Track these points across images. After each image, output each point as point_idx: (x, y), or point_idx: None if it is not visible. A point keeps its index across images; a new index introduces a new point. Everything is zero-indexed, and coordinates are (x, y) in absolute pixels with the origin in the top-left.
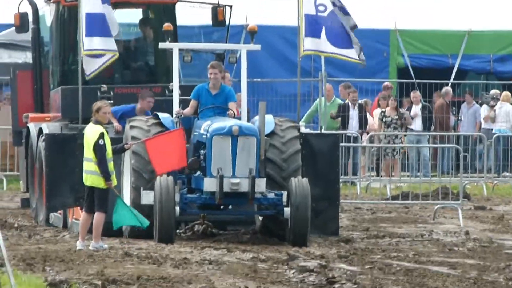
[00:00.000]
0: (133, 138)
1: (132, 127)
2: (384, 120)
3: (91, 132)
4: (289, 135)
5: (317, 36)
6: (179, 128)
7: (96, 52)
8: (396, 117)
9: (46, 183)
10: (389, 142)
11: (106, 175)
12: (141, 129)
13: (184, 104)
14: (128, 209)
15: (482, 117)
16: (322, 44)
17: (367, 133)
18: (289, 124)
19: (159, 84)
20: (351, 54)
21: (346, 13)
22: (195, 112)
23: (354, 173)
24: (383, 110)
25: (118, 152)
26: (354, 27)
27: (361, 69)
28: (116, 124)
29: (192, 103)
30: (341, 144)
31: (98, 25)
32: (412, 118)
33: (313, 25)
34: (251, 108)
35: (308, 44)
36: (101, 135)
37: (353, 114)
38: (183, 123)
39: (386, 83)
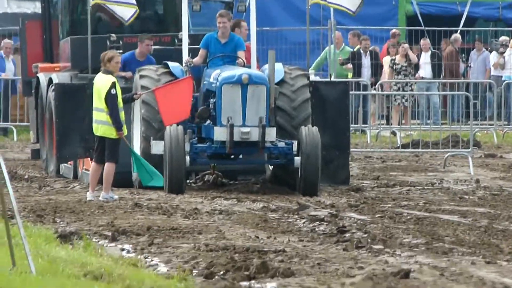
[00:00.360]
0: (143, 87)
1: (142, 76)
2: (394, 67)
3: (103, 82)
4: (298, 83)
5: None
6: (187, 76)
7: (107, 3)
8: (406, 64)
9: (56, 134)
10: (399, 90)
11: (118, 125)
12: (151, 78)
13: (193, 53)
14: (146, 168)
15: (491, 64)
16: None
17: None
18: (299, 72)
19: (169, 34)
20: (349, 4)
21: None
22: (204, 61)
23: (365, 121)
24: (393, 57)
25: (128, 101)
26: None
27: (371, 17)
28: (126, 73)
29: (201, 52)
30: (350, 92)
31: None
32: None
33: None
34: (260, 57)
35: None
36: (113, 85)
37: (365, 61)
38: (192, 72)
39: (394, 31)
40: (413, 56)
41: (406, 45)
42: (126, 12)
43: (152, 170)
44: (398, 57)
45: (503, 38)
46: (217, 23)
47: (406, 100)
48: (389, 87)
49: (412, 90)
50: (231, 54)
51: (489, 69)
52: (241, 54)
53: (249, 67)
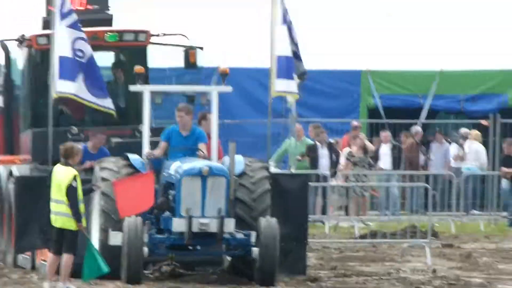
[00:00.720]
0: (103, 179)
1: (102, 168)
2: (351, 159)
3: (64, 174)
4: (258, 175)
5: (290, 77)
6: (148, 171)
7: (67, 96)
8: (363, 155)
9: (15, 225)
10: (356, 181)
11: (78, 217)
12: (111, 170)
13: (154, 146)
14: (94, 257)
15: (451, 155)
16: (292, 85)
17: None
18: (259, 164)
19: (130, 126)
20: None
21: (298, 59)
22: (165, 153)
23: (323, 212)
24: (350, 150)
25: (86, 193)
26: (304, 73)
27: (332, 110)
28: (86, 164)
29: (162, 144)
30: (310, 183)
31: (69, 69)
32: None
33: (285, 67)
34: (222, 149)
35: (280, 85)
36: (74, 177)
37: (323, 153)
38: (153, 164)
39: (354, 123)
40: (370, 145)
41: (362, 135)
42: (67, 88)
43: (99, 264)
44: (354, 149)
45: (463, 130)
46: (176, 117)
47: (365, 192)
48: (344, 179)
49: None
50: (192, 147)
51: (449, 161)
52: (202, 146)
53: (209, 159)
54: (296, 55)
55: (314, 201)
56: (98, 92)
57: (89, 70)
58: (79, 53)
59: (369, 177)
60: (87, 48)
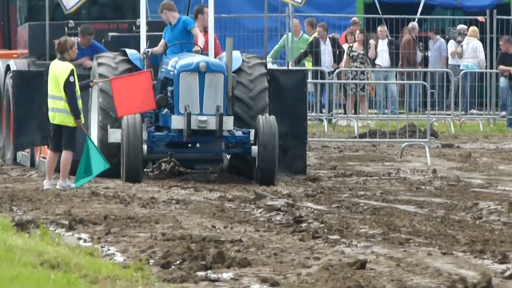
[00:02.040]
0: (100, 75)
1: (99, 64)
2: (351, 54)
3: (61, 69)
4: (256, 72)
5: None
6: (146, 70)
7: None
8: (363, 52)
9: (13, 121)
10: (354, 78)
11: (76, 112)
12: (109, 66)
13: (151, 40)
14: (93, 153)
15: (449, 52)
16: None
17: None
18: (256, 61)
19: (126, 20)
20: None
21: None
22: (164, 50)
23: (321, 110)
24: (350, 45)
25: (84, 88)
26: None
27: (329, 4)
28: (87, 61)
29: (162, 42)
30: (308, 80)
31: None
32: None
33: None
34: (220, 43)
35: None
36: (72, 72)
37: (324, 49)
38: (151, 60)
39: (353, 18)
40: (372, 51)
41: (362, 34)
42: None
43: (98, 159)
44: (355, 45)
45: (460, 26)
46: None
47: (362, 89)
48: (345, 75)
49: (368, 79)
50: (188, 41)
51: (445, 57)
52: (194, 30)
53: (206, 54)
54: None
55: (314, 98)
56: None
57: None
58: None
59: (366, 75)
60: None
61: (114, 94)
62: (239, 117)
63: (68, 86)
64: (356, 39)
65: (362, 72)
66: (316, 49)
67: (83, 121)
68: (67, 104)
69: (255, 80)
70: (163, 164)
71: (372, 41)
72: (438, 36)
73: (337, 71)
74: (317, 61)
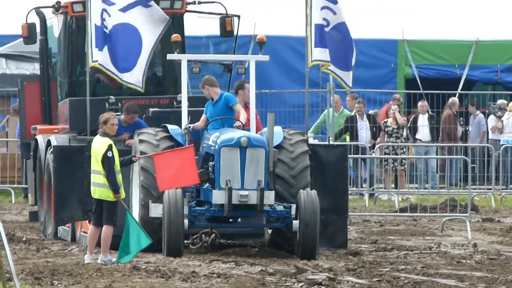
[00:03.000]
0: (142, 153)
1: (141, 141)
2: (386, 130)
3: (99, 144)
4: (298, 149)
5: (325, 46)
6: (189, 145)
7: (102, 68)
8: (396, 126)
9: (54, 196)
10: (390, 153)
11: (114, 187)
12: (150, 143)
13: (192, 115)
14: (134, 229)
15: (489, 127)
16: (326, 56)
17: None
18: (299, 138)
19: (167, 96)
20: (345, 77)
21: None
22: (205, 126)
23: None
24: (385, 120)
25: (126, 164)
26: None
27: (369, 80)
28: (128, 139)
29: (203, 117)
30: (348, 155)
31: (100, 38)
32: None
33: (323, 35)
34: (261, 119)
35: (316, 54)
36: (110, 147)
37: (362, 124)
38: (192, 136)
39: (396, 95)
40: (400, 118)
41: (395, 107)
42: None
43: (139, 235)
44: (389, 120)
45: (500, 101)
46: None
47: (401, 164)
48: (380, 150)
49: (405, 153)
50: (229, 117)
51: (484, 132)
52: (236, 107)
53: (248, 130)
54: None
55: (354, 173)
56: (122, 64)
57: (113, 41)
58: (105, 23)
59: (405, 150)
60: (109, 18)
61: (156, 169)
62: (281, 196)
63: (106, 161)
64: (390, 114)
65: (400, 147)
66: (353, 125)
67: (123, 196)
68: (106, 178)
69: (297, 158)
70: (203, 234)
71: (394, 110)
72: (478, 111)
73: (377, 145)
74: (355, 136)
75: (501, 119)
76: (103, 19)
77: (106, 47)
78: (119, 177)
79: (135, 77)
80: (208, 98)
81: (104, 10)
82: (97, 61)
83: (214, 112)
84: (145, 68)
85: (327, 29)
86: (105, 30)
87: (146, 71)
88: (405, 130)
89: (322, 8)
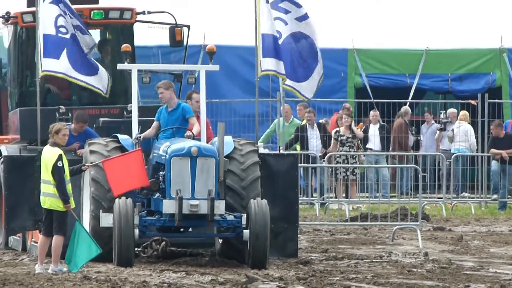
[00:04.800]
0: (93, 163)
1: (92, 152)
2: (339, 139)
3: (49, 154)
4: (249, 161)
5: (277, 57)
6: (136, 149)
7: (54, 74)
8: (350, 136)
9: (5, 206)
10: (343, 162)
11: (64, 197)
12: (101, 154)
13: (142, 125)
14: (83, 239)
15: (440, 137)
16: (277, 66)
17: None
18: (249, 148)
19: (118, 105)
20: (303, 88)
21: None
22: (156, 133)
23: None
24: (338, 129)
25: (76, 173)
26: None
27: (320, 89)
28: (78, 149)
29: (154, 124)
30: (299, 164)
31: (53, 47)
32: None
33: (272, 45)
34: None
35: (266, 64)
36: (60, 157)
37: (312, 134)
38: (142, 145)
39: (346, 104)
40: (358, 132)
41: (349, 119)
42: (102, 83)
43: (90, 244)
44: (342, 129)
45: (450, 110)
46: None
47: (352, 173)
48: (334, 159)
49: (357, 162)
50: (180, 127)
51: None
52: (192, 120)
53: (198, 139)
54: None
55: (305, 183)
56: (86, 69)
57: (73, 46)
58: (62, 29)
59: (357, 159)
60: (68, 24)
61: (107, 176)
62: (231, 207)
63: (56, 171)
64: (343, 123)
65: (352, 156)
66: (303, 134)
67: (72, 206)
68: (56, 188)
69: (247, 169)
70: (154, 243)
71: (359, 133)
72: (433, 121)
73: (328, 155)
74: (305, 145)
75: (452, 128)
76: (58, 26)
77: (65, 53)
78: (69, 187)
79: (99, 82)
80: (164, 101)
81: (60, 15)
82: (46, 70)
83: (169, 121)
84: (108, 75)
85: (280, 41)
86: (64, 35)
87: (110, 78)
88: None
89: (275, 19)
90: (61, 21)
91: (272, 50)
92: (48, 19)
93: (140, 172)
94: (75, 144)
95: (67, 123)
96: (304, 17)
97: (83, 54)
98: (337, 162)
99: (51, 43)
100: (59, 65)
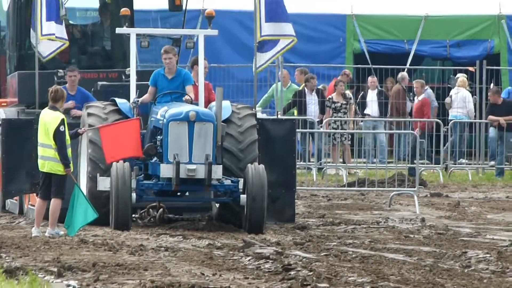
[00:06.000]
0: (90, 126)
1: (89, 114)
2: (332, 106)
3: (51, 118)
4: (246, 124)
5: (283, 20)
6: (135, 117)
7: (53, 38)
8: (345, 102)
9: (2, 169)
10: (337, 128)
11: (65, 161)
12: (99, 116)
13: (140, 89)
14: (81, 203)
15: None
16: (287, 29)
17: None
18: (247, 112)
19: (116, 70)
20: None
21: None
22: (153, 98)
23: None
24: (331, 96)
25: (73, 137)
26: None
27: (317, 55)
28: (73, 110)
29: (150, 89)
30: (297, 129)
31: (55, 10)
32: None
33: (275, 9)
34: None
35: (267, 29)
36: (62, 121)
37: (311, 99)
38: (140, 109)
39: (345, 70)
40: (347, 92)
41: (341, 83)
42: (49, 47)
43: (87, 208)
44: (334, 95)
45: (459, 75)
46: (163, 59)
47: (345, 139)
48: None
49: (353, 128)
50: (178, 91)
51: (436, 107)
52: (189, 88)
53: (197, 104)
54: None
55: (302, 147)
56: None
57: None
58: None
59: (348, 124)
60: None
61: (103, 142)
62: (228, 169)
63: (58, 135)
64: (336, 90)
65: (345, 122)
66: (302, 99)
67: (72, 170)
68: (57, 153)
69: (245, 132)
70: (151, 210)
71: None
72: (427, 86)
73: (325, 120)
74: (303, 111)
75: (449, 95)
76: None
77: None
78: (69, 151)
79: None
80: (166, 66)
81: None
82: (48, 34)
83: (169, 88)
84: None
85: None
86: None
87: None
88: (354, 105)
89: None
90: None
91: (276, 14)
92: None
93: (135, 142)
94: (71, 102)
95: (64, 86)
96: None
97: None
98: (332, 128)
99: (52, 6)
100: (55, 28)
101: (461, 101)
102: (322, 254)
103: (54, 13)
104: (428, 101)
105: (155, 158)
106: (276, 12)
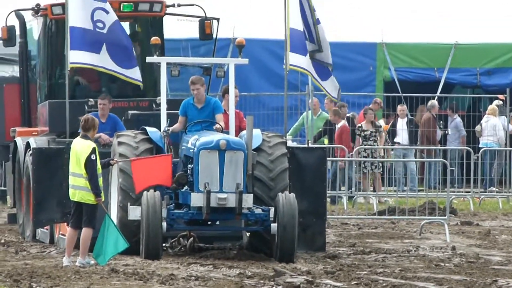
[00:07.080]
0: (121, 155)
1: (120, 143)
2: (362, 134)
3: (82, 147)
4: (277, 152)
5: (303, 53)
6: (168, 153)
7: (82, 66)
8: (374, 130)
9: (33, 198)
10: (367, 156)
11: (97, 191)
12: (129, 145)
13: (171, 118)
14: (112, 232)
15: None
16: (306, 63)
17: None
18: (277, 140)
19: (147, 98)
20: (328, 87)
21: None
22: (183, 127)
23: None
24: (360, 125)
25: (104, 167)
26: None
27: (348, 83)
28: (104, 136)
29: (181, 119)
30: (327, 158)
31: (78, 39)
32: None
33: (300, 42)
34: None
35: (294, 59)
36: (93, 150)
37: None
38: (171, 138)
39: (376, 99)
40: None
41: (371, 112)
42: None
43: (118, 238)
44: (364, 124)
45: (496, 102)
46: (191, 90)
47: (376, 167)
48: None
49: (383, 156)
50: (209, 120)
51: (464, 136)
52: (219, 117)
53: (227, 132)
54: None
55: (333, 176)
56: (124, 62)
57: (112, 40)
58: (99, 24)
59: (379, 152)
60: (107, 17)
61: (133, 174)
62: (259, 198)
63: (90, 164)
64: (366, 118)
65: (376, 150)
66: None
67: (103, 199)
68: (88, 182)
69: (275, 160)
70: (182, 239)
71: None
72: (456, 115)
73: (356, 148)
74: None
75: (480, 123)
76: (95, 21)
77: (104, 48)
78: (100, 180)
79: (135, 73)
80: (195, 97)
81: (97, 9)
82: (74, 62)
83: (199, 117)
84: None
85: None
86: (101, 30)
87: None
88: (384, 133)
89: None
90: (98, 14)
91: (300, 46)
92: (79, 12)
93: (166, 175)
94: (101, 134)
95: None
96: (318, 21)
97: (123, 48)
98: (363, 157)
99: (81, 35)
100: (90, 58)
101: (492, 129)
102: (352, 283)
103: (79, 42)
104: (347, 128)
105: (186, 187)
106: (300, 45)
